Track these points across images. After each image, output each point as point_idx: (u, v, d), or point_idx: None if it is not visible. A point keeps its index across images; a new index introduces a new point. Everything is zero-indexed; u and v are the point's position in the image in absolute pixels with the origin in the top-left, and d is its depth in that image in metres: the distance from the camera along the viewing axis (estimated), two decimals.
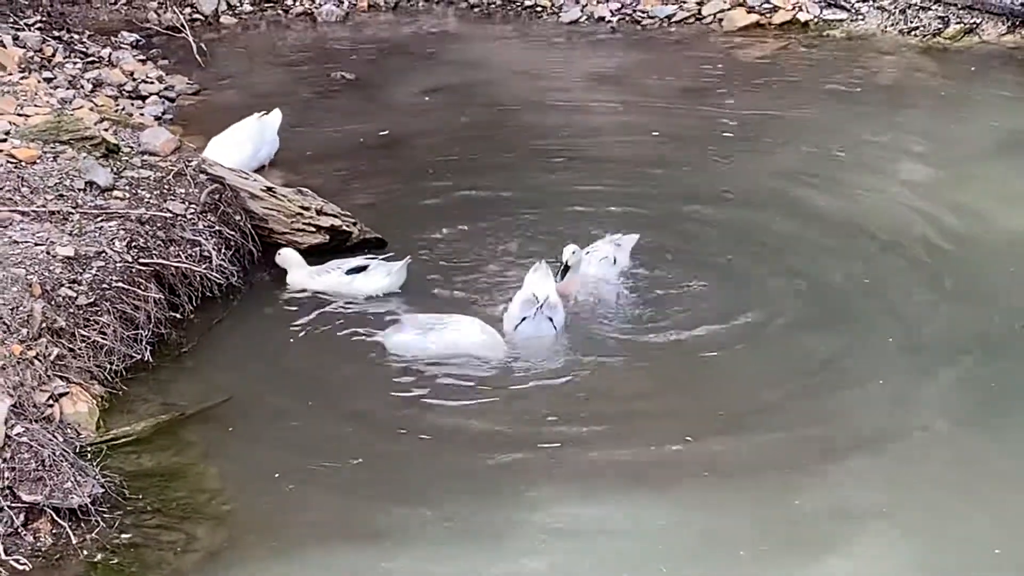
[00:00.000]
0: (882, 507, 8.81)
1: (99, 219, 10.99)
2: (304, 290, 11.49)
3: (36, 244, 10.45)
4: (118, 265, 10.60)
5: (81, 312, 10.13)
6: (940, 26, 17.48)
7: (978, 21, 17.47)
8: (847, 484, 9.04)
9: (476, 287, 11.47)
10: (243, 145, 13.31)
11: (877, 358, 10.43)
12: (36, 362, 9.50)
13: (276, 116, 13.82)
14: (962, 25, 17.44)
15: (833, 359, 10.48)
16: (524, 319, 10.75)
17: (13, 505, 8.44)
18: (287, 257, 11.62)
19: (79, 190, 11.30)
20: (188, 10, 18.24)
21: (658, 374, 10.37)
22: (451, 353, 10.49)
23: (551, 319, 10.75)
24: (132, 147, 12.21)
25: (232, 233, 11.62)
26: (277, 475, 9.16)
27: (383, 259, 11.60)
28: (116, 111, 14.35)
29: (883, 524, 8.66)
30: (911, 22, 17.62)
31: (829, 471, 9.16)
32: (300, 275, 11.55)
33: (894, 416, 9.76)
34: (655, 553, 8.46)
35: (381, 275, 11.46)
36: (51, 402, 9.38)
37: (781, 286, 11.52)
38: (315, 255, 11.76)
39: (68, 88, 14.82)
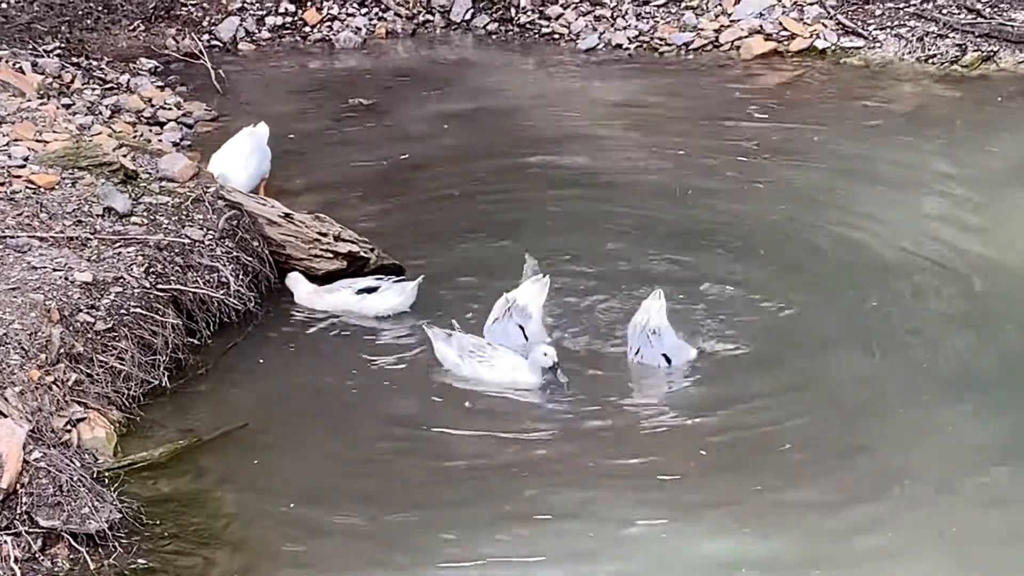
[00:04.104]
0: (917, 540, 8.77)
1: (117, 245, 11.01)
2: (311, 309, 11.50)
3: (54, 269, 10.47)
4: (136, 291, 10.61)
5: (99, 337, 10.14)
6: (958, 54, 17.45)
7: (995, 49, 17.44)
8: (876, 517, 8.99)
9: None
10: (250, 158, 13.22)
11: (899, 385, 10.39)
12: (54, 387, 9.52)
13: (264, 128, 13.70)
14: (979, 53, 17.41)
15: (855, 386, 10.44)
16: (496, 320, 10.93)
17: (31, 530, 8.45)
18: (292, 279, 11.69)
19: (97, 216, 11.32)
20: (206, 37, 18.28)
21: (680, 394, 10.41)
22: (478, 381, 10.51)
23: (521, 326, 10.85)
24: (150, 173, 12.23)
25: (249, 259, 11.63)
26: (294, 500, 9.16)
27: (395, 281, 11.62)
28: (134, 137, 14.37)
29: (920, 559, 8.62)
30: (929, 50, 17.60)
31: (857, 503, 9.12)
32: (305, 293, 11.57)
33: (920, 446, 9.68)
34: None
35: (393, 295, 11.48)
36: (69, 427, 9.39)
37: (799, 309, 11.49)
38: (332, 281, 11.76)
39: (87, 114, 14.85)
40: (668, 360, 10.62)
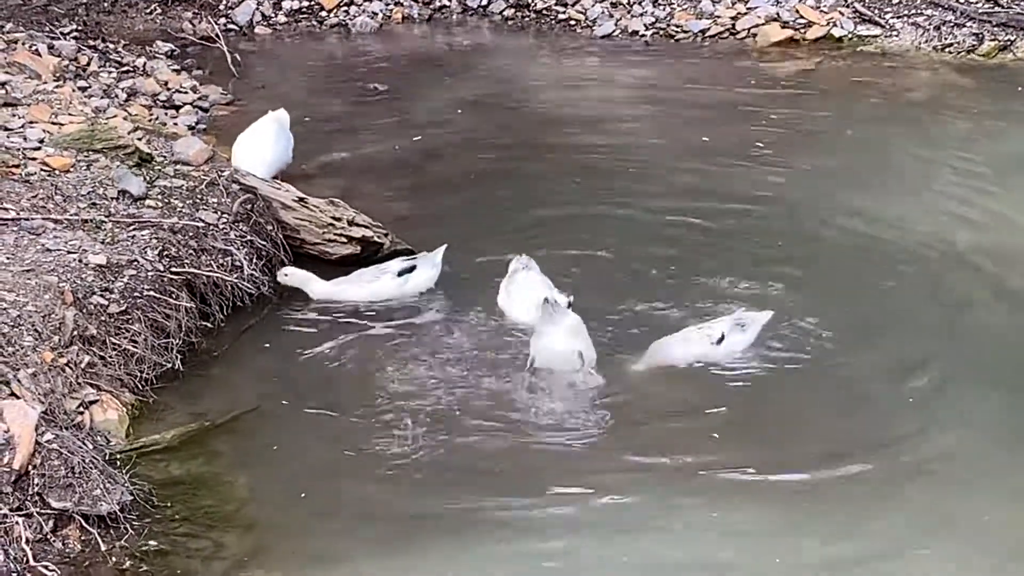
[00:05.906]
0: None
1: (131, 228, 11.02)
2: (333, 301, 11.48)
3: (69, 252, 10.49)
4: (150, 274, 10.63)
5: (112, 320, 10.16)
6: (974, 43, 17.43)
7: (1013, 38, 17.42)
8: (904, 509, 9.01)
9: None
10: (274, 145, 13.25)
11: (921, 376, 10.41)
12: (67, 369, 9.54)
13: (285, 114, 13.73)
14: (996, 42, 17.39)
15: (867, 377, 10.43)
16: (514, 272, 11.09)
17: (43, 511, 8.47)
18: (294, 276, 11.56)
19: (112, 199, 11.34)
20: (223, 21, 18.31)
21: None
22: None
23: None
24: (165, 156, 12.25)
25: (263, 243, 11.65)
26: (305, 484, 9.17)
27: (419, 254, 11.71)
28: (150, 120, 14.39)
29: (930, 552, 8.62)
30: (945, 39, 17.58)
31: (877, 496, 9.14)
32: (324, 287, 11.52)
33: (948, 438, 9.70)
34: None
35: (428, 268, 11.51)
36: (81, 409, 9.41)
37: (816, 298, 11.47)
38: (346, 266, 11.77)
39: (102, 97, 14.87)
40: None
